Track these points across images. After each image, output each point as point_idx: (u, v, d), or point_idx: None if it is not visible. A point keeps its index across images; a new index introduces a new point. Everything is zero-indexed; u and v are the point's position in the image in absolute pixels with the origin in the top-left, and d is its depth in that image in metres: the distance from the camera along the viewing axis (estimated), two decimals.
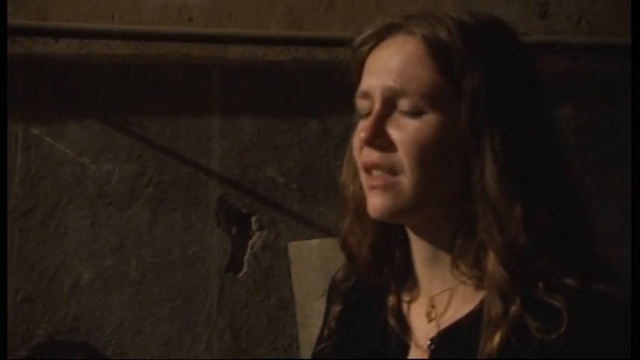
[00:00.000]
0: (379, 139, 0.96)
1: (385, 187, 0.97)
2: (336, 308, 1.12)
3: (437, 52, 0.95)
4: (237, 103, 2.30)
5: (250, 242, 2.33)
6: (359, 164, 1.01)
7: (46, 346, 1.99)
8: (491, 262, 0.93)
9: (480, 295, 0.96)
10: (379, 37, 0.99)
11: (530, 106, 0.96)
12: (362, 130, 0.98)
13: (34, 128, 2.18)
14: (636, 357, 0.90)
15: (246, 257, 2.33)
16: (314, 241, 2.32)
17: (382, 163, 0.97)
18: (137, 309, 2.25)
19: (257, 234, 2.34)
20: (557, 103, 2.52)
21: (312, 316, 2.30)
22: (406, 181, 0.96)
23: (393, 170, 0.96)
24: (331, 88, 2.30)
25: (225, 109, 2.29)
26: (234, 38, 2.27)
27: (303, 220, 2.35)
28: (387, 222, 1.00)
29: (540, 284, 0.92)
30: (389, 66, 0.96)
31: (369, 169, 0.99)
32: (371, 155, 0.98)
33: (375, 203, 0.98)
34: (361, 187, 1.02)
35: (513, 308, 0.92)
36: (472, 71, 0.94)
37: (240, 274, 2.32)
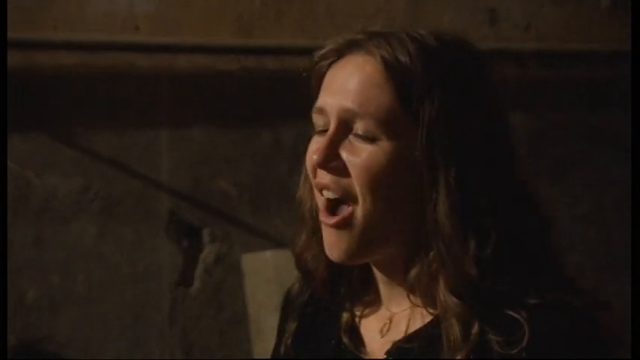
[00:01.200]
0: (332, 162, 0.95)
1: (339, 227, 0.95)
2: (292, 324, 1.11)
3: (396, 76, 0.92)
4: (186, 113, 2.28)
5: (202, 255, 2.31)
6: (313, 184, 0.99)
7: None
8: (442, 290, 0.93)
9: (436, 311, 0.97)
10: (339, 53, 0.97)
11: (490, 135, 0.94)
12: (315, 152, 0.96)
13: None
14: (636, 357, 0.90)
15: (198, 271, 2.31)
16: (268, 253, 2.31)
17: (334, 187, 0.95)
18: (85, 327, 2.21)
19: (209, 247, 2.32)
20: (507, 110, 2.56)
21: (266, 330, 2.29)
22: (359, 211, 0.94)
23: (345, 195, 0.95)
24: (283, 97, 2.30)
25: (174, 120, 2.28)
26: (183, 47, 2.25)
27: (257, 232, 2.34)
28: (345, 264, 0.99)
29: (499, 302, 0.91)
30: (347, 86, 0.94)
31: (320, 189, 0.97)
32: (324, 177, 0.96)
33: (332, 247, 0.97)
34: (316, 205, 1.01)
35: (473, 330, 0.91)
36: (431, 100, 0.91)
37: (192, 289, 2.30)
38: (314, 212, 1.02)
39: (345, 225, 0.95)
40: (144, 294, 2.26)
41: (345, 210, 0.95)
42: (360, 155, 0.93)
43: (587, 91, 2.61)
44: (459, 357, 0.91)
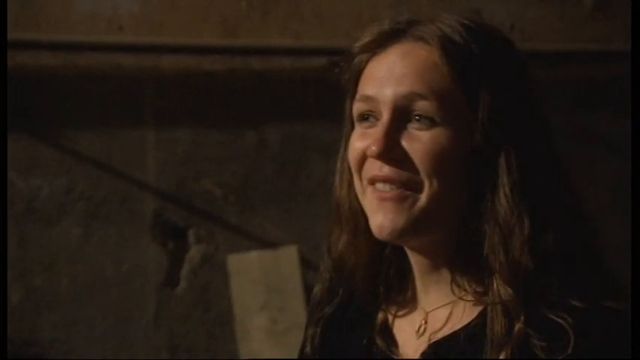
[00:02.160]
0: (392, 151, 0.91)
1: (400, 200, 0.92)
2: (317, 328, 1.08)
3: (452, 58, 0.91)
4: (171, 114, 2.28)
5: (188, 256, 2.31)
6: (359, 178, 0.95)
7: None
8: (496, 281, 0.90)
9: (476, 310, 0.94)
10: (380, 44, 0.94)
11: (537, 118, 0.94)
12: (373, 143, 0.92)
13: None
14: (636, 357, 0.89)
15: (183, 272, 2.30)
16: (253, 253, 2.31)
17: (396, 178, 0.92)
18: (70, 329, 2.20)
19: (195, 248, 2.31)
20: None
21: (252, 330, 2.29)
22: (423, 196, 0.92)
23: (408, 186, 0.92)
24: (268, 97, 2.30)
25: (159, 120, 2.27)
26: (167, 48, 2.25)
27: (242, 232, 2.34)
28: (393, 242, 0.96)
29: (546, 301, 0.89)
30: (401, 72, 0.92)
31: (374, 182, 0.94)
32: (382, 169, 0.92)
33: (384, 221, 0.92)
34: (356, 202, 0.98)
35: (518, 326, 0.89)
36: (488, 82, 0.90)
37: (178, 290, 2.29)
38: (354, 212, 0.99)
39: (403, 200, 0.92)
40: (129, 295, 2.25)
41: (404, 192, 0.92)
42: (421, 141, 0.91)
43: (572, 90, 2.61)
44: (501, 356, 0.89)
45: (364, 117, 0.94)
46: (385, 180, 0.92)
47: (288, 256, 2.28)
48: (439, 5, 2.49)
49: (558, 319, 0.88)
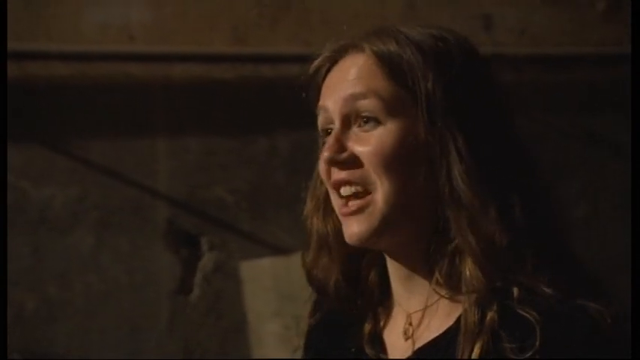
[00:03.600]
0: (342, 154, 0.97)
1: (358, 211, 0.97)
2: (308, 340, 1.13)
3: (386, 62, 0.97)
4: (182, 122, 2.29)
5: (200, 263, 2.31)
6: (329, 186, 1.01)
7: None
8: (469, 267, 0.93)
9: (457, 312, 0.96)
10: (333, 59, 1.02)
11: (489, 107, 0.98)
12: (325, 149, 0.99)
13: None
14: (636, 357, 0.89)
15: (196, 279, 2.30)
16: (265, 260, 2.31)
17: (351, 179, 0.97)
18: (84, 337, 2.20)
19: (207, 255, 2.31)
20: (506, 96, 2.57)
21: (265, 337, 2.29)
22: (378, 196, 0.96)
23: (364, 185, 0.97)
24: (278, 105, 2.30)
25: (170, 128, 2.28)
26: (178, 56, 2.26)
27: (254, 239, 2.34)
28: (365, 246, 1.00)
29: (516, 293, 0.91)
30: (344, 81, 0.99)
31: (338, 188, 0.99)
32: (339, 173, 0.98)
33: (352, 230, 0.98)
34: (324, 218, 1.04)
35: (490, 315, 0.91)
36: (424, 77, 0.96)
37: (191, 297, 2.30)
38: (320, 228, 1.05)
39: (363, 208, 0.97)
40: (142, 303, 2.25)
41: (363, 201, 0.97)
42: (368, 142, 0.96)
43: (583, 94, 2.61)
44: (476, 346, 0.90)
45: (327, 132, 1.01)
46: (343, 182, 0.98)
47: (301, 262, 2.28)
48: (448, 12, 2.50)
49: (527, 315, 0.89)
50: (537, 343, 0.88)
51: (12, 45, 2.13)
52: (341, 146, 0.97)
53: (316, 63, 1.03)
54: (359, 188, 0.97)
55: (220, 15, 2.30)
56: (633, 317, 0.90)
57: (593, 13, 2.62)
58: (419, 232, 0.98)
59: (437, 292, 0.97)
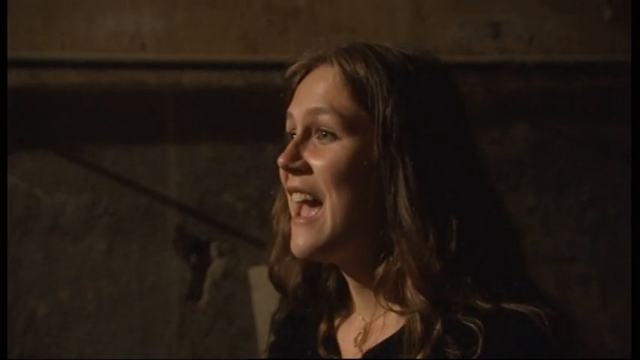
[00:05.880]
0: (296, 162, 1.00)
1: (307, 223, 0.99)
2: (270, 340, 1.15)
3: (351, 81, 0.99)
4: (193, 129, 2.30)
5: (210, 269, 2.32)
6: (285, 190, 1.04)
7: None
8: (409, 289, 0.96)
9: (403, 322, 0.99)
10: (308, 67, 1.05)
11: (448, 133, 0.99)
12: (282, 155, 1.01)
13: None
14: (636, 357, 0.90)
15: (206, 285, 2.32)
16: None
17: (303, 187, 1.00)
18: (95, 343, 2.22)
19: (217, 261, 2.33)
20: (511, 121, 2.57)
21: None
22: (327, 211, 0.98)
23: (314, 195, 0.99)
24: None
25: (180, 136, 2.29)
26: (189, 64, 2.27)
27: (263, 245, 2.33)
28: (309, 260, 1.02)
29: (458, 306, 0.94)
30: (312, 92, 1.01)
31: (291, 193, 1.02)
32: (293, 180, 1.01)
33: (297, 242, 1.00)
34: (289, 219, 1.05)
35: (435, 332, 0.94)
36: (384, 101, 0.97)
37: (201, 303, 2.31)
38: (284, 229, 1.07)
39: (312, 222, 0.99)
40: (153, 308, 2.26)
41: (312, 211, 1.00)
42: (323, 155, 0.99)
43: (591, 101, 2.62)
44: (419, 356, 0.93)
45: (292, 136, 1.03)
46: (294, 190, 1.01)
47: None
48: (456, 20, 2.50)
49: (469, 323, 0.92)
50: (479, 350, 0.90)
51: (26, 53, 2.16)
52: (297, 154, 1.00)
53: (293, 68, 1.06)
54: (308, 197, 1.00)
55: (230, 23, 2.32)
56: (633, 317, 0.91)
57: (600, 21, 2.62)
58: (365, 250, 0.99)
59: (382, 307, 1.00)
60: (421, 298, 0.94)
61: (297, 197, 1.01)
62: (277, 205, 1.10)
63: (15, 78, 2.15)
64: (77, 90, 2.21)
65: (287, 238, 1.06)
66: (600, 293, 2.58)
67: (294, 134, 1.02)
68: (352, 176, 0.97)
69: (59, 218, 2.20)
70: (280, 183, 1.06)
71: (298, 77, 1.05)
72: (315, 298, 1.08)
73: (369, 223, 0.98)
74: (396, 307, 0.98)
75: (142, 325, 2.25)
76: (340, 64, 1.00)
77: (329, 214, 0.98)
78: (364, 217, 0.98)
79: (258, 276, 2.31)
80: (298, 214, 1.01)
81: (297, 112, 1.02)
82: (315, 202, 1.00)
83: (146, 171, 2.26)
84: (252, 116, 2.33)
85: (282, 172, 1.03)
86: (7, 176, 2.03)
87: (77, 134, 2.22)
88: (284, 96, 1.06)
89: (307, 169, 0.99)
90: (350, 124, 0.98)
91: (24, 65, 2.16)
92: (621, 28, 2.60)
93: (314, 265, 1.07)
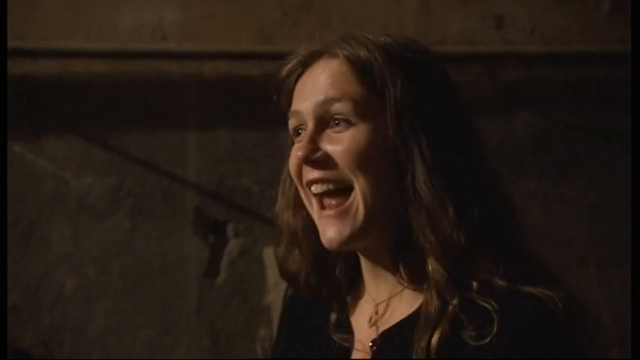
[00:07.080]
0: (316, 153, 0.98)
1: (339, 213, 0.98)
2: (283, 327, 1.15)
3: (358, 68, 0.99)
4: (212, 116, 2.33)
5: (227, 249, 2.36)
6: (300, 184, 1.02)
7: None
8: (430, 262, 0.95)
9: (420, 301, 0.98)
10: (305, 63, 1.03)
11: (451, 112, 1.00)
12: (298, 149, 0.99)
13: (16, 145, 2.22)
14: (636, 357, 0.92)
15: (223, 263, 2.35)
16: None
17: (327, 177, 0.98)
18: (119, 316, 2.27)
19: (233, 241, 2.36)
20: (513, 109, 2.56)
21: None
22: (358, 195, 0.97)
23: (338, 184, 0.98)
24: None
25: (200, 122, 2.32)
26: (208, 54, 2.30)
27: None
28: (340, 250, 1.01)
29: (475, 285, 0.94)
30: (318, 85, 1.00)
31: (310, 186, 1.00)
32: (313, 172, 0.99)
33: (330, 235, 0.98)
34: (294, 215, 1.05)
35: (451, 307, 0.94)
36: (393, 83, 0.98)
37: (218, 280, 2.35)
38: (290, 224, 1.06)
39: (344, 212, 0.98)
40: (173, 285, 2.31)
41: (338, 200, 0.98)
42: (341, 142, 0.98)
43: (591, 90, 2.61)
44: (436, 333, 0.93)
45: (298, 132, 1.02)
46: (316, 181, 0.99)
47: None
48: (461, 12, 2.50)
49: (485, 304, 0.93)
50: (495, 330, 0.91)
51: (53, 44, 2.23)
52: (315, 146, 0.98)
53: (289, 67, 1.03)
54: (331, 186, 0.98)
55: (246, 16, 2.36)
56: (633, 317, 0.94)
57: (600, 13, 2.62)
58: (387, 232, 0.99)
59: (401, 284, 0.99)
60: (442, 272, 0.93)
61: (317, 189, 0.99)
62: (280, 202, 1.08)
63: (43, 68, 2.22)
64: (103, 79, 2.26)
65: (294, 233, 1.04)
66: (597, 273, 2.59)
67: (301, 131, 1.01)
68: (373, 159, 0.96)
69: (86, 199, 2.26)
70: (282, 181, 1.05)
71: (295, 75, 1.03)
72: (327, 286, 1.07)
73: (392, 205, 0.97)
74: (415, 284, 0.98)
75: (163, 300, 2.30)
76: (344, 53, 0.99)
77: (360, 198, 0.96)
78: (389, 199, 0.97)
79: (273, 255, 2.35)
80: (323, 207, 0.98)
81: (306, 107, 0.99)
82: (339, 190, 0.98)
83: (167, 155, 2.31)
84: (268, 104, 2.36)
85: (295, 168, 1.00)
86: (6, 176, 2.06)
87: (103, 121, 2.27)
88: (278, 97, 1.05)
89: (326, 159, 0.98)
90: (363, 109, 0.97)
91: (52, 55, 2.22)
92: (620, 20, 2.59)
93: (323, 256, 1.05)
